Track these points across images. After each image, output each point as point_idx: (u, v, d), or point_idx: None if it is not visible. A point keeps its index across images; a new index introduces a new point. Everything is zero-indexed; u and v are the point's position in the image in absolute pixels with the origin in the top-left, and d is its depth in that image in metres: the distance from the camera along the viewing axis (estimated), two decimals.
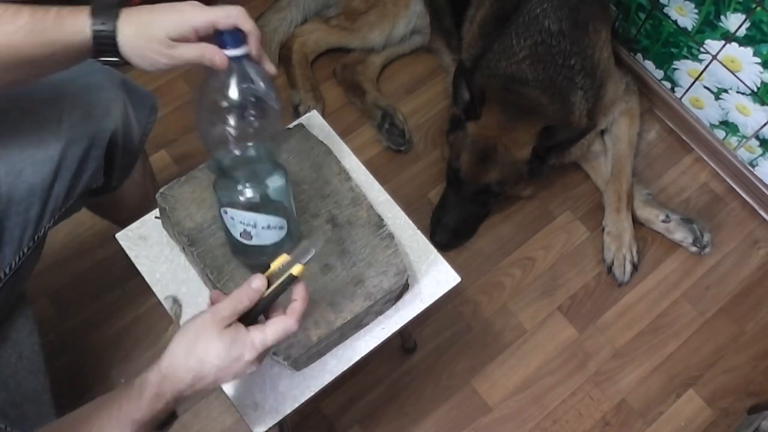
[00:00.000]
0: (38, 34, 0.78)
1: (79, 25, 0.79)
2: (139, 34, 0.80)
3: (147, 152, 1.33)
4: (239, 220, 0.93)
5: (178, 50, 0.81)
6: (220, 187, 0.93)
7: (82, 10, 0.80)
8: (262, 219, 0.92)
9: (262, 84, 0.87)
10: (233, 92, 0.84)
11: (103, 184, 1.14)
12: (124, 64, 0.83)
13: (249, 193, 0.91)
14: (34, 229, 0.99)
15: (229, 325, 0.79)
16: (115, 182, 1.19)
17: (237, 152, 0.88)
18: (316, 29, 1.86)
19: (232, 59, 0.83)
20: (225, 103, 0.85)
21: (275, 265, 0.84)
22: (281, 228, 0.95)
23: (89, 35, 0.79)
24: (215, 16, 0.81)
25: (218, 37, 0.82)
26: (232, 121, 0.85)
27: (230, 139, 0.86)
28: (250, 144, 0.88)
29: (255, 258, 0.98)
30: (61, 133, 0.99)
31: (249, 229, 0.93)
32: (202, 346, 0.77)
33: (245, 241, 0.95)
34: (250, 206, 0.92)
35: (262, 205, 0.92)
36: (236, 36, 0.82)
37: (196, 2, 0.83)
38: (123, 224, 1.12)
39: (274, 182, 0.93)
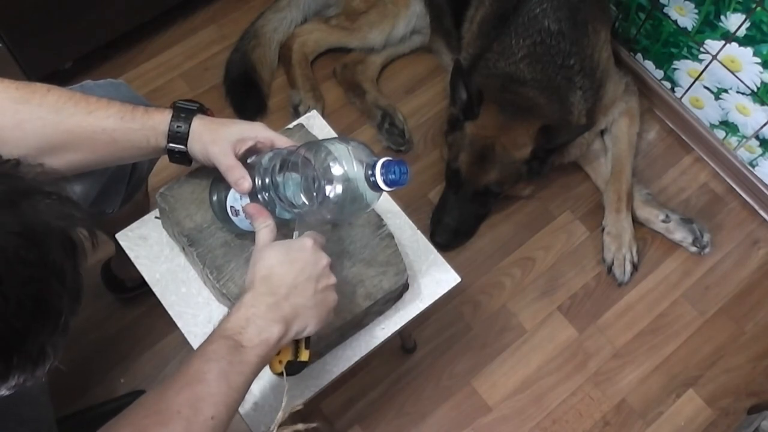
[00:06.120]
0: (128, 120, 0.91)
1: (165, 116, 0.92)
2: (208, 128, 0.93)
3: None
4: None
5: (220, 157, 0.92)
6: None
7: (165, 109, 0.94)
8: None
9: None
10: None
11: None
12: (187, 158, 0.95)
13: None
14: None
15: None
16: (117, 208, 1.19)
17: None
18: (316, 29, 1.86)
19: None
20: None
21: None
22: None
23: (169, 123, 0.92)
24: (276, 136, 0.96)
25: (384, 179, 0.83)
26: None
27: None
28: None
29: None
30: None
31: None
32: (265, 258, 0.86)
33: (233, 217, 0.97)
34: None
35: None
36: (395, 181, 0.83)
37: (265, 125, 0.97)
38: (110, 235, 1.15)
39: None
